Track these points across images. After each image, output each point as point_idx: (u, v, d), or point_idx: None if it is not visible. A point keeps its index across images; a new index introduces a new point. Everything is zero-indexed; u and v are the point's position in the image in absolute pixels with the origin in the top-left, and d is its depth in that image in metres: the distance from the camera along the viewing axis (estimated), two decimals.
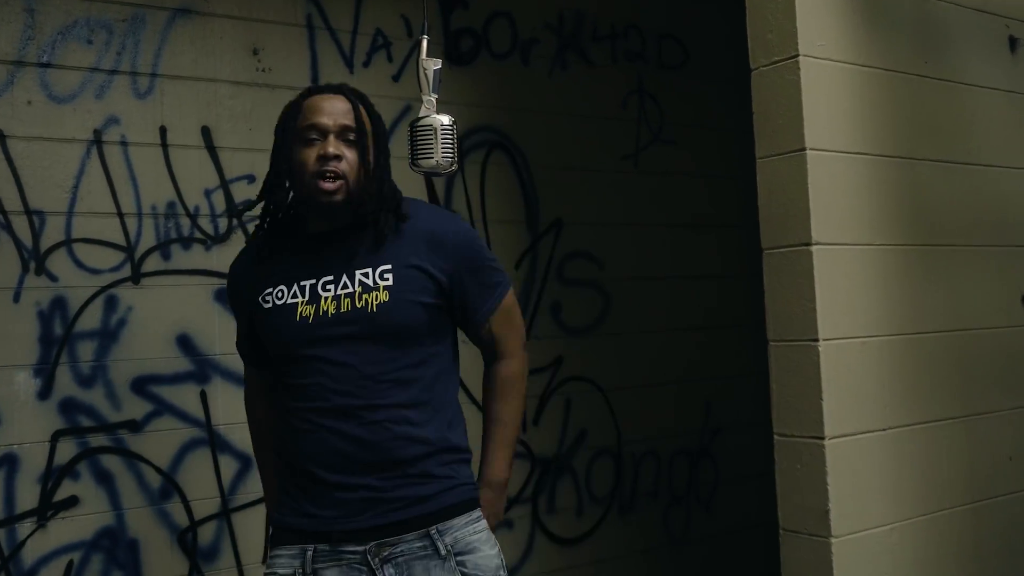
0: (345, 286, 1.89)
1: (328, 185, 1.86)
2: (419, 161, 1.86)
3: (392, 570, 1.84)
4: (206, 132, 2.96)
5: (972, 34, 2.53)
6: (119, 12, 2.85)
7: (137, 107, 2.86)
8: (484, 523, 1.96)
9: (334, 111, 1.90)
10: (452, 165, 1.87)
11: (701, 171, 4.01)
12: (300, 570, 1.86)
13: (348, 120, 1.90)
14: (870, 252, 2.25)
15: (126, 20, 2.86)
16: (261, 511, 2.93)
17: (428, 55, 1.92)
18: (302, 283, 1.92)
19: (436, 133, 1.85)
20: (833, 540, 2.09)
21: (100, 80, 2.81)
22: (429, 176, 1.88)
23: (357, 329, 1.87)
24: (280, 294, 1.93)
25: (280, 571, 1.89)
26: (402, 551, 1.85)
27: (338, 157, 1.86)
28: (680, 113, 3.96)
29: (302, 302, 1.90)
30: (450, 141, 1.86)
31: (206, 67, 2.96)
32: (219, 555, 2.91)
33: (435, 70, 1.90)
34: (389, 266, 1.90)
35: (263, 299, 1.94)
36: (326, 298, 1.89)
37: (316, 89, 2.00)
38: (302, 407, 1.88)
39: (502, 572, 1.94)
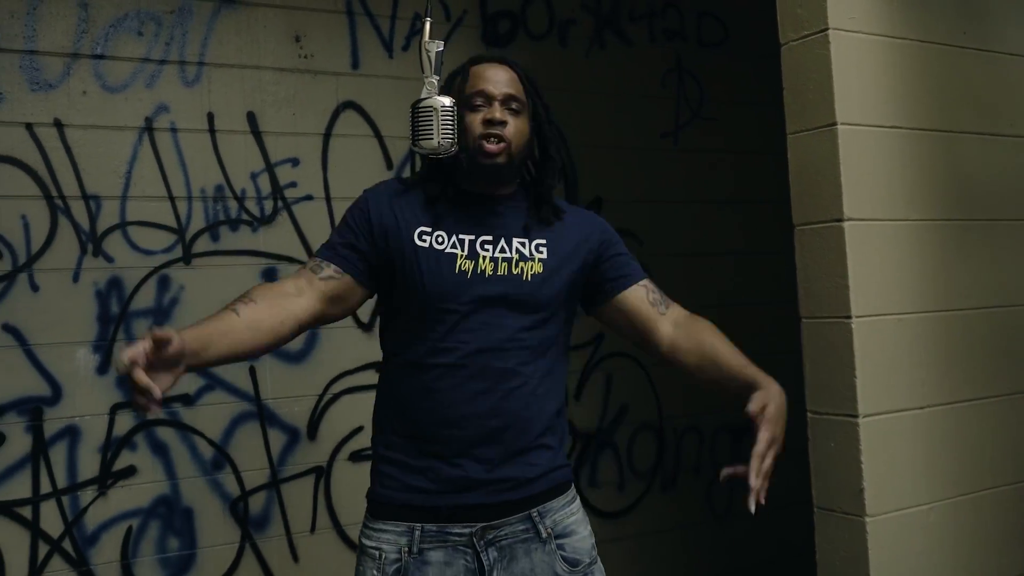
0: (503, 250, 1.86)
1: (492, 147, 1.82)
2: (420, 142, 1.80)
3: (495, 553, 1.79)
4: (251, 117, 2.96)
5: (1014, 2, 2.40)
6: (167, 4, 2.86)
7: (185, 95, 2.87)
8: (579, 504, 1.93)
9: (498, 79, 1.88)
10: (452, 147, 1.81)
11: (742, 147, 3.89)
12: (406, 548, 1.78)
13: (512, 89, 1.88)
14: (905, 227, 2.16)
15: (174, 12, 2.87)
16: (310, 482, 2.97)
17: (430, 38, 1.86)
18: (461, 236, 1.85)
19: (436, 114, 1.79)
20: (868, 519, 2.02)
21: (150, 70, 2.83)
22: (429, 157, 1.83)
23: (509, 293, 1.83)
24: (440, 239, 1.84)
25: (385, 547, 1.79)
26: (506, 534, 1.81)
27: (503, 123, 1.83)
28: (720, 90, 3.86)
29: (461, 255, 1.83)
30: (450, 123, 1.80)
31: (250, 55, 2.96)
32: (269, 524, 2.92)
33: (437, 52, 1.85)
34: (544, 241, 1.89)
35: (419, 237, 1.83)
36: (484, 257, 1.84)
37: (480, 58, 1.96)
38: (443, 363, 1.79)
39: (595, 553, 1.90)
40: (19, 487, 2.59)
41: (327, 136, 3.06)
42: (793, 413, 3.79)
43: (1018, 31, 2.40)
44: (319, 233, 2.98)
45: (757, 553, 3.81)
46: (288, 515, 2.93)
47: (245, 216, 2.93)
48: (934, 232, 2.21)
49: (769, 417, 1.79)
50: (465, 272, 1.82)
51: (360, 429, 3.05)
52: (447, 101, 1.79)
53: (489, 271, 1.83)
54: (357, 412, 3.03)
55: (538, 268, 1.86)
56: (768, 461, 1.77)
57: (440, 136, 1.78)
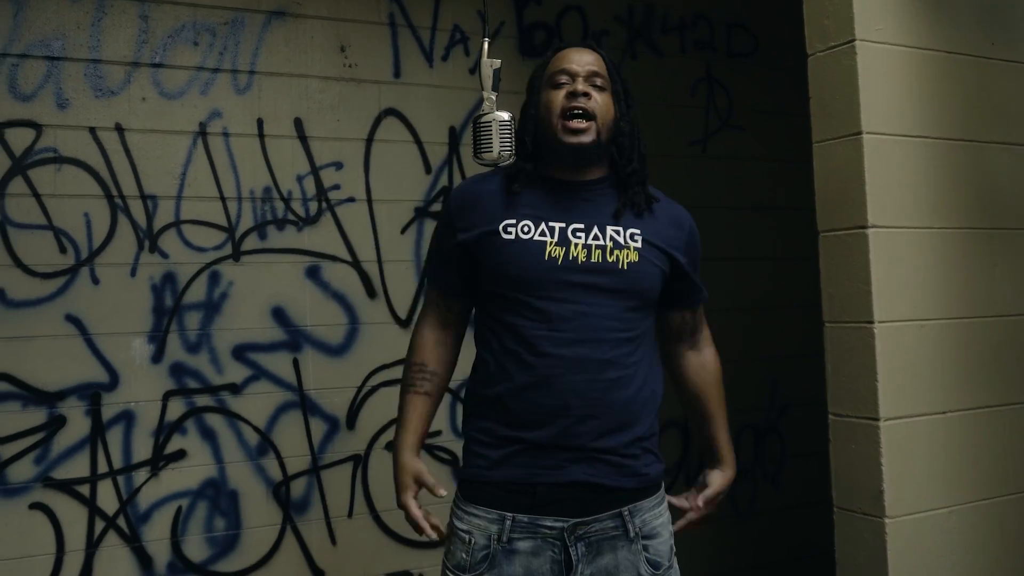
0: (596, 237, 1.73)
1: (577, 124, 1.72)
2: (481, 154, 1.78)
3: (584, 548, 1.70)
4: (298, 123, 2.95)
5: None
6: (221, 16, 2.86)
7: (237, 101, 2.87)
8: (666, 506, 1.83)
9: (583, 59, 1.78)
10: (510, 157, 1.77)
11: (770, 155, 3.81)
12: (496, 537, 1.70)
13: (597, 67, 1.78)
14: (929, 235, 2.10)
15: (227, 23, 2.87)
16: (348, 469, 2.95)
17: (489, 55, 1.84)
18: (551, 223, 1.74)
19: (495, 128, 1.75)
20: (887, 520, 1.97)
21: (204, 78, 2.83)
22: (491, 167, 1.80)
23: (606, 281, 1.71)
24: (526, 228, 1.73)
25: (476, 532, 1.72)
26: (596, 530, 1.71)
27: (587, 95, 1.72)
28: (749, 99, 3.78)
29: (551, 242, 1.72)
30: (508, 136, 1.76)
31: (298, 64, 2.95)
32: (309, 507, 2.91)
33: (495, 70, 1.83)
34: (639, 231, 1.76)
35: (504, 229, 1.73)
36: (576, 244, 1.72)
37: (565, 45, 1.87)
38: (540, 351, 1.69)
39: (674, 556, 1.82)
40: (78, 466, 2.60)
41: (369, 141, 3.04)
42: (820, 414, 3.71)
43: None
44: (361, 233, 3.01)
45: (777, 550, 3.73)
46: (327, 500, 2.91)
47: (291, 216, 2.91)
48: (958, 240, 2.14)
49: (712, 503, 1.97)
50: (556, 259, 1.71)
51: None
52: (505, 115, 1.76)
53: (583, 258, 1.71)
54: (393, 404, 2.91)
55: (634, 256, 1.74)
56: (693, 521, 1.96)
57: (499, 148, 1.76)
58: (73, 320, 2.62)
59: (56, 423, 2.58)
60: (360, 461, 2.98)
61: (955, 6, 2.17)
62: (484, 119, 1.78)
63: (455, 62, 3.17)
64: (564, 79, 1.75)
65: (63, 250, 2.61)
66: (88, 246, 2.65)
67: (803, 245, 3.75)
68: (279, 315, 2.87)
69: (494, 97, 1.80)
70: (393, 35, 3.09)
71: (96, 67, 2.68)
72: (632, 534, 1.72)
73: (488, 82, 1.82)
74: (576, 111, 1.71)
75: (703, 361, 2.02)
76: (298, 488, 2.88)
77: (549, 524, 1.69)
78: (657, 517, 1.77)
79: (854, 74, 2.02)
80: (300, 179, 2.93)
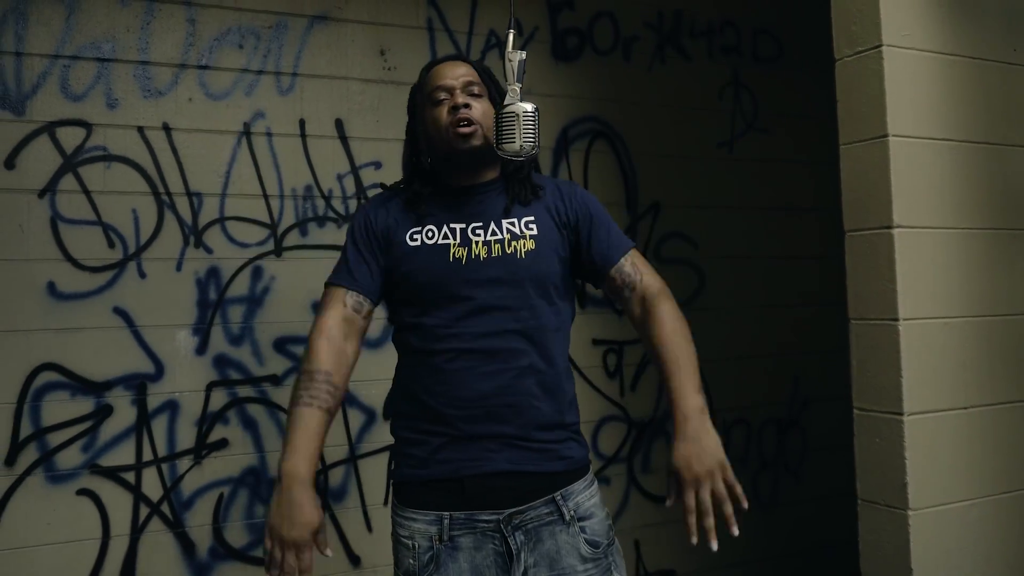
0: (494, 233, 1.81)
1: (464, 129, 1.80)
2: (503, 146, 1.77)
3: (522, 536, 1.74)
4: (339, 124, 2.98)
5: None
6: (265, 20, 2.90)
7: (280, 103, 2.90)
8: (596, 487, 1.86)
9: (455, 73, 1.87)
10: (533, 149, 1.77)
11: (793, 157, 3.83)
12: (437, 537, 1.75)
13: (471, 76, 1.87)
14: (954, 235, 2.11)
15: (271, 27, 2.90)
16: (384, 459, 2.98)
17: (514, 48, 1.85)
18: (452, 226, 1.82)
19: (518, 119, 1.76)
20: (911, 512, 1.98)
21: (249, 79, 2.87)
22: (512, 160, 1.81)
23: (506, 273, 1.78)
24: (430, 233, 1.82)
25: (417, 536, 1.76)
26: (531, 517, 1.76)
27: (467, 105, 1.81)
28: (774, 103, 3.80)
29: (454, 244, 1.80)
30: (531, 127, 1.76)
31: (339, 66, 2.98)
32: (347, 496, 2.94)
33: (520, 61, 1.82)
34: (533, 217, 1.85)
35: (410, 237, 1.82)
36: (477, 242, 1.80)
37: (434, 61, 1.95)
38: (450, 348, 1.76)
39: (612, 534, 1.85)
40: (124, 454, 2.65)
41: None
42: (840, 409, 3.74)
43: None
44: None
45: (801, 541, 3.75)
46: (364, 488, 2.95)
47: (331, 214, 2.95)
48: (981, 240, 2.15)
49: (679, 475, 1.67)
50: (460, 259, 1.78)
51: None
52: (529, 107, 1.76)
53: (483, 255, 1.79)
54: None
55: (530, 245, 1.81)
56: (702, 502, 1.66)
57: (522, 139, 1.76)
58: (120, 312, 2.66)
59: (103, 412, 2.62)
60: None
61: (979, 13, 2.18)
62: (507, 110, 1.77)
63: (491, 64, 3.14)
64: (443, 95, 1.85)
65: (111, 245, 2.66)
66: (136, 241, 2.69)
67: (826, 245, 3.80)
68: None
69: (518, 88, 1.80)
70: (431, 39, 3.11)
71: (145, 68, 2.73)
72: (568, 517, 1.76)
73: (512, 74, 1.85)
74: (461, 121, 1.79)
75: (652, 316, 1.86)
76: (336, 477, 2.92)
77: (485, 518, 1.73)
78: (589, 498, 1.81)
79: (881, 78, 2.03)
80: (340, 178, 2.96)
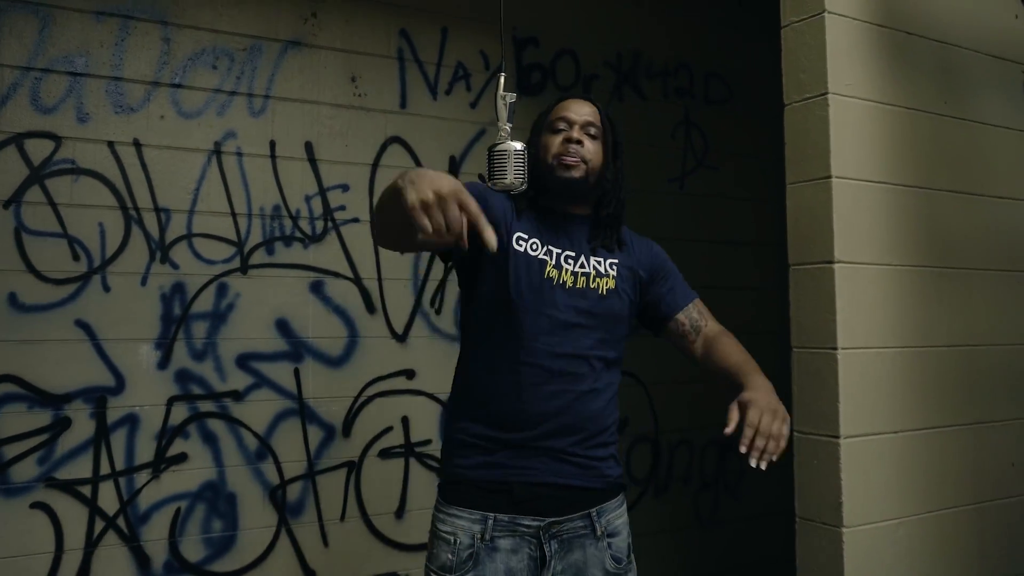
0: (582, 265, 1.88)
1: (570, 159, 1.86)
2: (495, 181, 1.86)
3: (556, 544, 1.80)
4: (309, 147, 3.00)
5: (989, 78, 2.44)
6: (240, 43, 2.91)
7: (252, 124, 2.91)
8: (625, 508, 1.93)
9: (581, 110, 1.92)
10: (523, 184, 1.85)
11: (739, 194, 3.95)
12: (479, 535, 1.77)
13: (592, 118, 1.92)
14: (888, 271, 2.17)
15: (246, 49, 2.92)
16: (342, 476, 2.99)
17: (505, 90, 1.93)
18: (549, 247, 1.87)
19: (509, 157, 1.84)
20: (844, 530, 2.02)
21: (221, 100, 2.87)
22: (504, 193, 1.88)
23: (587, 304, 1.85)
24: (535, 246, 1.86)
25: (460, 533, 1.79)
26: (567, 528, 1.81)
27: (580, 142, 1.87)
28: (722, 142, 3.91)
29: (550, 264, 1.85)
30: (521, 164, 1.85)
31: (311, 91, 3.01)
32: (304, 511, 2.94)
33: (511, 103, 1.90)
34: (616, 261, 1.92)
35: (518, 240, 1.85)
36: (567, 269, 1.86)
37: (568, 96, 2.01)
38: (529, 362, 1.79)
39: (632, 553, 1.92)
40: (81, 468, 2.62)
41: (375, 166, 3.10)
42: (791, 430, 3.82)
43: (991, 104, 2.43)
44: (364, 252, 3.05)
45: (739, 557, 3.84)
46: (321, 504, 2.95)
47: (298, 234, 2.96)
48: (913, 277, 2.21)
49: (750, 401, 1.73)
50: (552, 279, 1.84)
51: (389, 429, 3.07)
52: (519, 146, 1.83)
53: (570, 283, 1.85)
54: (387, 414, 3.06)
55: (611, 284, 1.89)
56: (765, 422, 1.70)
57: (513, 175, 1.83)
58: (83, 325, 2.63)
59: (61, 425, 2.59)
60: (354, 467, 3.02)
61: (914, 67, 2.26)
62: (499, 148, 1.86)
63: (457, 96, 3.24)
64: (563, 125, 1.90)
65: (76, 258, 2.63)
66: (101, 255, 2.66)
67: (765, 277, 3.94)
68: (282, 326, 2.91)
69: (509, 128, 1.87)
70: (401, 69, 3.16)
71: (117, 84, 2.71)
72: (599, 532, 1.83)
73: (504, 114, 1.90)
74: (569, 153, 1.86)
75: (720, 341, 2.00)
76: (294, 492, 2.91)
77: (527, 523, 1.78)
78: (619, 517, 1.89)
79: (826, 123, 2.07)
80: (308, 199, 2.98)
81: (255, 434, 2.88)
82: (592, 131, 1.91)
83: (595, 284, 1.87)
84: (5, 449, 2.53)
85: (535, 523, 1.78)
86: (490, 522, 1.77)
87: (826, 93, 2.08)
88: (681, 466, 3.77)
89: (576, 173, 1.86)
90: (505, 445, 1.79)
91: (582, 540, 1.82)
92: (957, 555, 2.24)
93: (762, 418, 1.71)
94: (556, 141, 1.89)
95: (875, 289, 2.14)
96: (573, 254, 1.88)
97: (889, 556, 2.10)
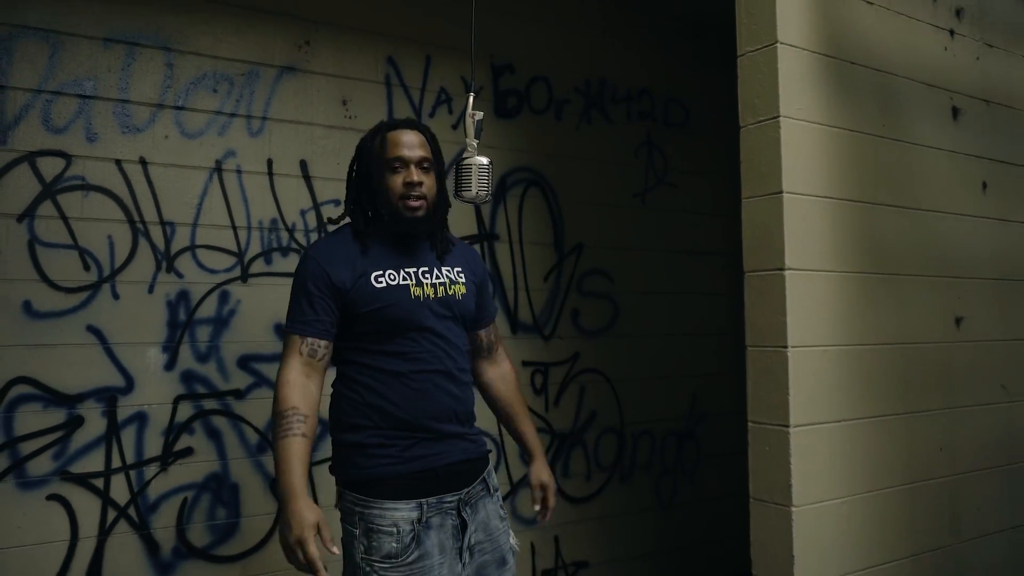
0: (438, 277, 1.95)
1: (414, 203, 1.89)
2: (462, 192, 1.86)
3: (469, 509, 1.92)
4: (303, 164, 2.96)
5: (922, 103, 2.48)
6: (239, 68, 2.87)
7: (250, 143, 2.87)
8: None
9: (413, 147, 1.92)
10: (487, 197, 1.87)
11: (696, 208, 3.97)
12: (417, 519, 1.83)
13: (424, 152, 1.93)
14: (833, 277, 2.19)
15: (244, 75, 2.88)
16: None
17: (474, 108, 1.91)
18: (406, 270, 1.92)
19: (474, 171, 1.84)
20: (793, 509, 2.04)
21: (222, 121, 2.83)
22: (470, 204, 1.89)
23: (449, 311, 1.95)
24: (392, 276, 1.90)
25: (401, 523, 1.81)
26: (474, 494, 1.95)
27: (421, 183, 1.89)
28: (680, 161, 3.93)
29: (412, 284, 1.90)
30: (486, 178, 1.86)
31: (305, 113, 2.97)
32: None
33: (478, 120, 1.90)
34: (460, 268, 2.01)
35: (375, 279, 1.89)
36: (426, 283, 1.92)
37: (394, 124, 1.99)
38: (418, 370, 1.88)
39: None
40: (94, 462, 2.56)
41: None
42: (730, 423, 3.90)
43: (923, 126, 2.46)
44: None
45: (696, 535, 3.86)
46: (317, 492, 2.90)
47: (294, 245, 2.92)
48: (854, 282, 2.23)
49: (547, 487, 2.16)
50: (418, 297, 1.91)
51: None
52: (484, 160, 1.84)
53: (432, 295, 1.92)
54: None
55: (463, 289, 1.99)
56: (551, 506, 2.16)
57: (478, 187, 1.83)
58: (94, 330, 2.57)
59: (74, 423, 2.53)
60: None
61: (856, 93, 2.28)
62: (466, 162, 1.86)
63: (440, 118, 3.22)
64: (398, 165, 1.91)
65: (87, 268, 2.57)
66: (110, 265, 2.61)
67: (720, 283, 3.98)
68: (280, 330, 2.85)
69: (476, 143, 1.89)
70: (388, 93, 3.13)
71: (124, 106, 2.66)
72: (492, 490, 2.01)
73: (471, 130, 1.91)
74: (412, 196, 1.89)
75: (503, 372, 2.23)
76: None
77: (449, 499, 1.89)
78: (494, 474, 2.07)
79: (778, 144, 2.08)
80: (303, 213, 2.94)
81: (255, 429, 2.83)
82: (425, 165, 1.93)
83: (452, 290, 1.97)
84: (22, 446, 2.48)
85: (455, 497, 1.90)
86: (424, 507, 1.85)
87: (778, 116, 2.10)
88: (643, 454, 3.77)
89: (420, 213, 1.92)
90: (418, 440, 1.88)
91: (484, 500, 1.97)
92: (892, 529, 2.27)
93: (551, 498, 2.15)
94: (397, 182, 1.90)
95: (821, 293, 2.16)
96: (427, 268, 1.95)
97: (833, 531, 2.13)
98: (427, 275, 1.94)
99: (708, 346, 3.94)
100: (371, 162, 1.95)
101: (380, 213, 1.94)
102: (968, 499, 2.47)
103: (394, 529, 1.81)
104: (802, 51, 2.16)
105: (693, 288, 3.93)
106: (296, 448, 1.80)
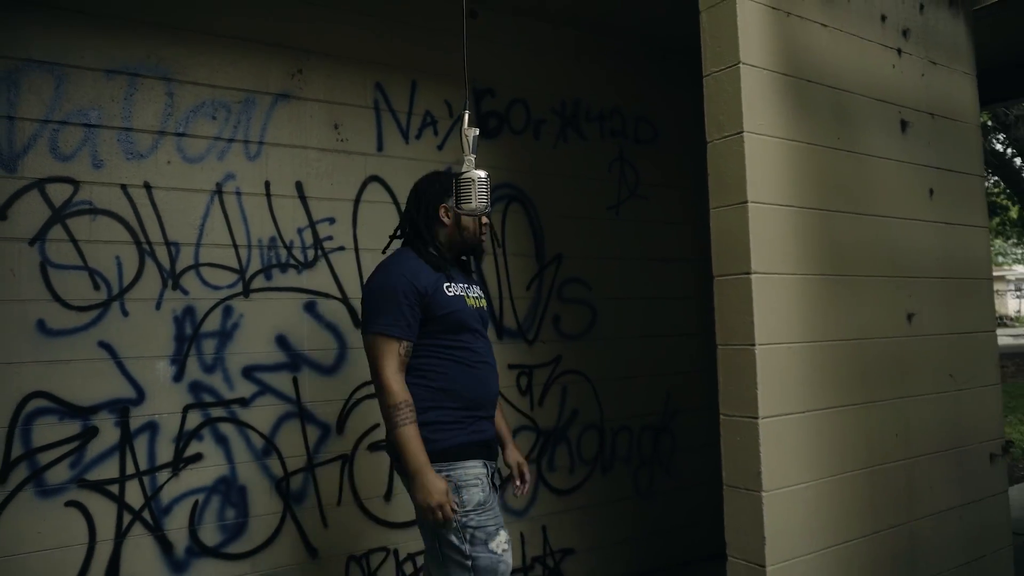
0: (475, 292, 2.26)
1: (484, 241, 2.30)
2: (462, 205, 1.85)
3: (497, 477, 2.23)
4: (299, 185, 2.95)
5: (873, 117, 2.50)
6: (236, 96, 2.85)
7: (248, 166, 2.85)
8: None
9: None
10: (487, 208, 1.86)
11: (665, 218, 3.98)
12: (487, 478, 2.13)
13: None
14: (795, 279, 2.20)
15: (241, 102, 2.86)
16: (337, 467, 2.95)
17: (468, 125, 1.90)
18: (462, 284, 2.22)
19: (474, 184, 1.83)
20: (764, 494, 2.06)
21: (221, 146, 2.81)
22: (470, 216, 1.90)
23: (483, 318, 2.26)
24: (454, 288, 2.18)
25: (484, 478, 2.12)
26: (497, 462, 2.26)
27: (491, 224, 2.36)
28: (650, 175, 3.94)
29: (465, 296, 2.19)
30: (484, 190, 1.85)
31: (299, 137, 2.96)
32: (305, 498, 2.88)
33: (474, 136, 1.88)
34: (479, 289, 2.33)
35: (447, 289, 2.16)
36: (471, 296, 2.22)
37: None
38: (477, 361, 2.17)
39: None
40: (109, 469, 2.54)
41: (357, 202, 3.06)
42: (702, 417, 3.92)
43: (874, 139, 2.48)
44: (350, 275, 3.01)
45: (672, 521, 3.87)
46: (320, 491, 2.90)
47: (292, 261, 2.90)
48: (815, 283, 2.24)
49: (522, 467, 2.40)
50: (471, 306, 2.21)
51: (377, 426, 3.02)
52: (482, 173, 1.84)
53: (475, 305, 2.23)
54: (374, 413, 3.00)
55: (484, 304, 2.30)
56: (527, 479, 2.41)
57: (477, 200, 1.83)
58: (105, 346, 2.55)
59: (89, 433, 2.50)
60: (347, 459, 2.97)
61: (813, 109, 2.29)
62: (464, 176, 1.85)
63: (426, 140, 3.21)
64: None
65: (96, 287, 2.55)
66: (119, 284, 2.58)
67: (690, 287, 4.01)
68: (281, 341, 2.86)
69: (473, 158, 1.89)
70: (377, 117, 3.12)
71: (128, 134, 2.63)
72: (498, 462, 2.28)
73: (468, 146, 1.90)
74: (484, 233, 2.28)
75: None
76: (296, 482, 2.86)
77: (492, 466, 2.20)
78: None
79: (742, 157, 2.09)
80: (300, 231, 2.93)
81: (261, 434, 2.81)
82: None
83: (481, 303, 2.28)
84: (41, 456, 2.45)
85: (494, 465, 2.21)
86: (490, 467, 2.18)
87: (742, 132, 2.11)
88: (623, 448, 3.78)
89: (485, 247, 2.38)
90: (479, 417, 2.17)
91: (498, 470, 2.26)
92: (854, 509, 2.29)
93: (527, 472, 2.42)
94: (474, 224, 2.23)
95: (785, 294, 2.17)
96: (468, 286, 2.25)
97: (801, 513, 2.14)
98: (469, 291, 2.23)
99: (679, 346, 3.96)
100: (445, 203, 2.22)
101: (450, 242, 2.24)
102: (922, 480, 2.50)
103: (478, 481, 2.10)
104: (763, 71, 2.17)
105: (665, 293, 3.95)
106: (415, 433, 2.05)
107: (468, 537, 2.06)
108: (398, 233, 2.33)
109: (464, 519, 2.06)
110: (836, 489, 2.24)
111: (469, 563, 2.05)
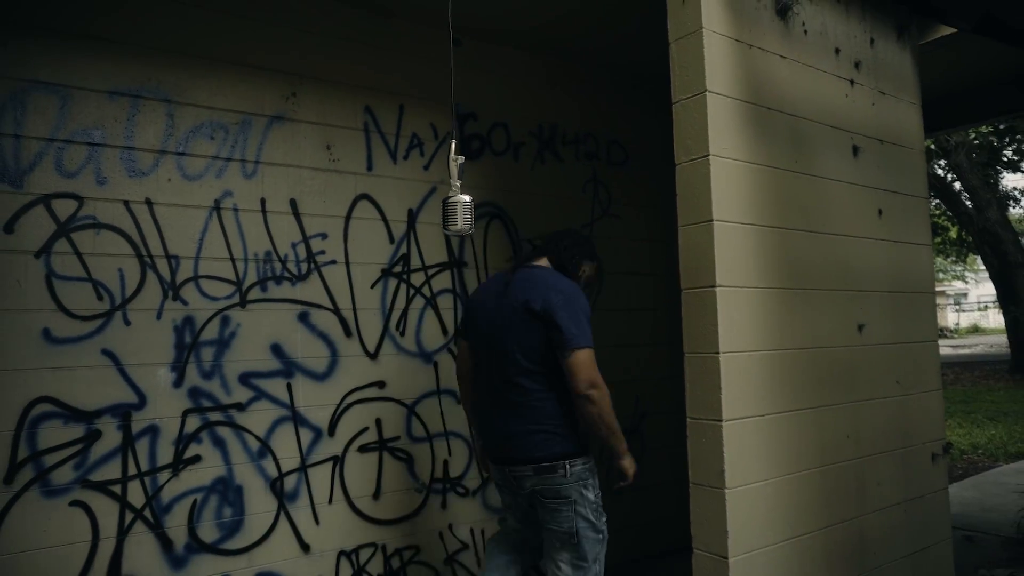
0: None
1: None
2: (449, 227, 1.84)
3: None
4: (293, 203, 2.92)
5: (827, 143, 2.51)
6: (233, 117, 2.81)
7: (245, 184, 2.82)
8: None
9: None
10: (471, 229, 1.86)
11: (636, 235, 3.98)
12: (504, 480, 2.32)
13: None
14: (756, 292, 2.21)
15: (238, 123, 2.83)
16: (328, 468, 2.91)
17: (456, 153, 1.91)
18: None
19: (459, 207, 1.83)
20: (726, 491, 2.05)
21: (219, 165, 2.77)
22: (455, 237, 1.89)
23: None
24: None
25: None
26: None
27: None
28: (622, 196, 3.94)
29: None
30: (469, 213, 1.85)
31: (294, 157, 2.93)
32: (298, 497, 2.85)
33: (460, 164, 1.89)
34: None
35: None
36: None
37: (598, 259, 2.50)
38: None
39: None
40: (112, 470, 2.50)
41: (348, 218, 3.03)
42: (668, 420, 3.91)
43: (829, 162, 2.49)
44: (341, 287, 2.98)
45: (641, 516, 3.86)
46: (312, 491, 2.87)
47: (286, 274, 2.87)
48: (774, 296, 2.25)
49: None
50: None
51: (366, 429, 2.99)
52: (467, 198, 1.84)
53: None
54: (364, 417, 2.99)
55: None
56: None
57: (462, 222, 1.83)
58: (108, 354, 2.51)
59: (93, 436, 2.46)
60: (338, 460, 2.94)
61: (773, 134, 2.30)
62: (451, 200, 1.85)
63: (413, 160, 3.19)
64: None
65: (100, 298, 2.51)
66: (121, 294, 2.54)
67: (658, 301, 4.01)
68: (276, 350, 2.82)
69: (459, 184, 1.89)
70: (367, 139, 3.09)
71: (130, 153, 2.60)
72: None
73: (455, 172, 1.90)
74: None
75: None
76: (290, 482, 2.83)
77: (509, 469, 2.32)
78: None
79: (708, 179, 2.09)
80: (294, 245, 2.90)
81: (256, 437, 2.77)
82: None
83: None
84: (46, 458, 2.40)
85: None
86: (506, 470, 2.32)
87: (708, 155, 2.11)
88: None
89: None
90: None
91: None
92: (810, 505, 2.29)
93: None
94: (596, 271, 2.44)
95: (747, 306, 2.17)
96: None
97: (761, 509, 2.15)
98: None
99: (649, 355, 3.95)
100: (598, 262, 2.46)
101: (589, 278, 2.43)
102: (871, 477, 2.51)
103: (596, 469, 2.31)
104: (727, 98, 2.17)
105: (635, 305, 3.94)
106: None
107: (599, 515, 2.31)
108: (539, 251, 2.39)
109: (597, 501, 2.29)
110: (793, 486, 2.24)
111: (601, 536, 2.31)
